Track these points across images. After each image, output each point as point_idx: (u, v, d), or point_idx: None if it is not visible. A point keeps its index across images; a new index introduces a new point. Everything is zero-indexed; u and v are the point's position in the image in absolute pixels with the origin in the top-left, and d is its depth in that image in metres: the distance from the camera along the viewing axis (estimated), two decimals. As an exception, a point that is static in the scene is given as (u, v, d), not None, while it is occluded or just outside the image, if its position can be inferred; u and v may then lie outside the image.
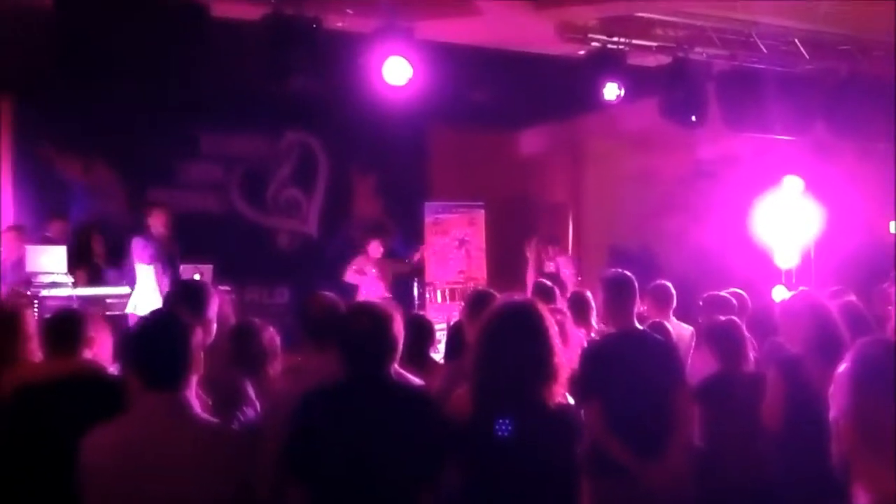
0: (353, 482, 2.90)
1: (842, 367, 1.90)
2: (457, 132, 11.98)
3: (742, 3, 8.40)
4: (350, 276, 10.08)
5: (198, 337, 2.80)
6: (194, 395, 2.76)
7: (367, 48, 7.50)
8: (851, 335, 3.73)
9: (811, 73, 9.60)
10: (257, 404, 3.41)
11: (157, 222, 8.94)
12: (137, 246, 8.73)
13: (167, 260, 8.79)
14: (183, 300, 3.49)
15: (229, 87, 9.09)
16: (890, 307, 4.90)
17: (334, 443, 2.91)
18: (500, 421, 2.87)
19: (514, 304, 3.17)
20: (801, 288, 5.96)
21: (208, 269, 9.02)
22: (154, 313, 3.05)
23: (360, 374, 3.02)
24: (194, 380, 2.77)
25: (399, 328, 3.09)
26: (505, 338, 3.01)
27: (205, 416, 2.77)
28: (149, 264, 8.61)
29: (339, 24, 7.66)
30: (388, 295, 9.81)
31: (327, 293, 3.82)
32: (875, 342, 1.99)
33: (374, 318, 3.06)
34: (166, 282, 8.35)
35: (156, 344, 2.75)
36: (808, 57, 9.42)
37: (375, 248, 10.30)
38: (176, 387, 2.71)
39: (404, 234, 11.84)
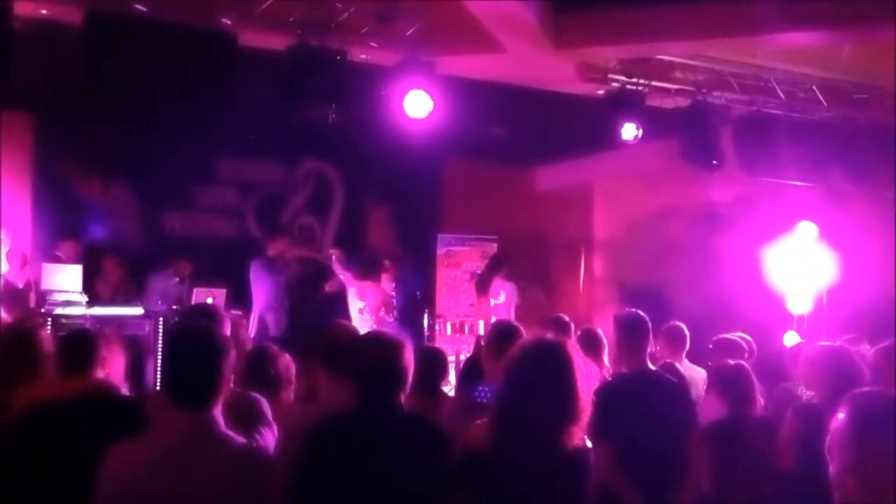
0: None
1: (838, 421, 1.89)
2: (473, 166, 12.06)
3: (761, 48, 8.48)
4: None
5: (231, 357, 2.75)
6: (221, 416, 2.70)
7: (389, 81, 7.60)
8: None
9: (828, 119, 9.65)
10: (275, 427, 3.42)
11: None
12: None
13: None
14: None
15: (250, 114, 9.20)
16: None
17: (343, 471, 2.91)
18: (480, 388, 2.86)
19: (545, 343, 3.15)
20: (817, 337, 5.94)
21: (221, 293, 9.08)
22: (190, 330, 3.03)
23: (370, 403, 3.03)
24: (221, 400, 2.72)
25: (409, 358, 3.11)
26: (535, 377, 3.00)
27: (234, 435, 2.71)
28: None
29: (363, 57, 7.77)
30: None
31: (342, 321, 3.84)
32: (873, 395, 1.99)
33: (384, 347, 3.08)
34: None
35: (190, 361, 2.69)
36: (825, 104, 9.48)
37: (387, 282, 10.31)
38: (206, 406, 2.65)
39: (416, 265, 11.86)
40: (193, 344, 2.76)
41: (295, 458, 3.12)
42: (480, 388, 4.12)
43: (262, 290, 9.66)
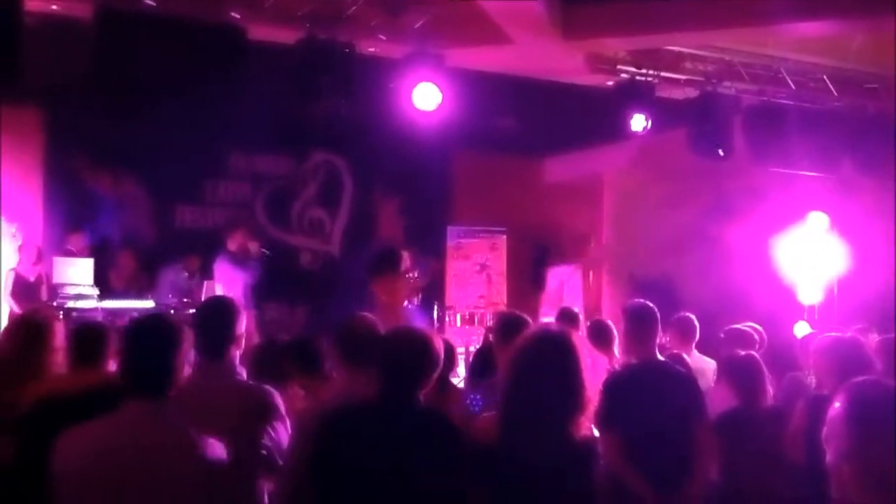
0: (370, 501, 2.92)
1: (834, 410, 1.88)
2: (482, 158, 12.06)
3: (772, 38, 8.44)
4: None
5: (187, 343, 2.82)
6: (174, 405, 2.75)
7: (397, 73, 7.61)
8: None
9: (838, 109, 9.61)
10: (287, 421, 3.43)
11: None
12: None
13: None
14: (211, 316, 3.54)
15: (259, 108, 9.22)
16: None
17: (356, 461, 2.94)
18: (472, 396, 2.87)
19: (549, 333, 3.17)
20: (828, 328, 5.93)
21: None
22: (144, 317, 3.07)
23: (391, 395, 3.05)
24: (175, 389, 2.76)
25: (438, 353, 3.14)
26: (539, 368, 3.01)
27: (185, 425, 2.75)
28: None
29: (372, 50, 7.77)
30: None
31: (366, 314, 3.85)
32: (870, 384, 1.98)
33: (415, 340, 3.12)
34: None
35: (144, 350, 2.75)
36: (835, 94, 9.43)
37: (395, 283, 10.24)
38: (159, 393, 2.71)
39: (425, 257, 11.87)
40: (147, 333, 2.81)
41: (305, 448, 3.15)
42: (472, 396, 4.12)
43: (236, 286, 9.34)
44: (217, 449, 2.74)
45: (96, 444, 2.66)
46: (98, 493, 2.61)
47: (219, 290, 8.94)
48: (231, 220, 10.61)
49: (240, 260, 9.65)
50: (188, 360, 2.92)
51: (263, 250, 9.87)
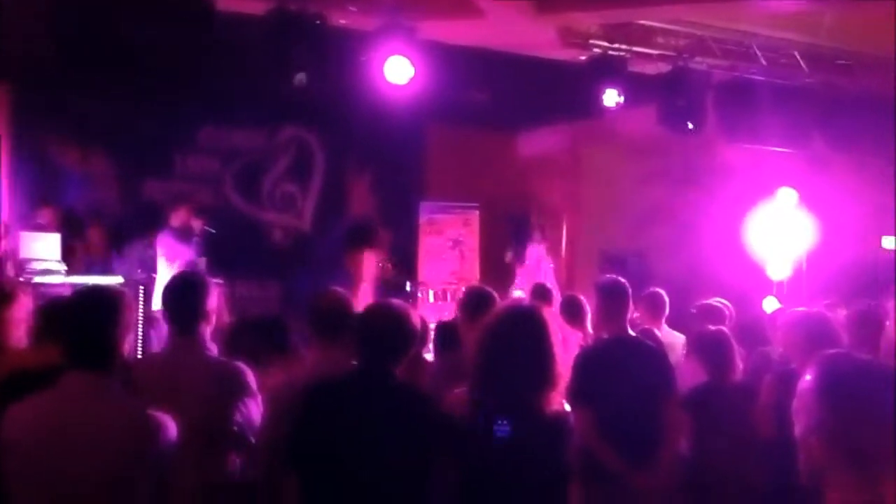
0: (347, 475, 2.92)
1: (804, 383, 1.89)
2: (455, 133, 11.99)
3: (744, 14, 8.44)
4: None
5: (129, 314, 2.76)
6: (118, 379, 2.71)
7: (369, 46, 7.52)
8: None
9: (809, 86, 9.65)
10: (259, 398, 3.42)
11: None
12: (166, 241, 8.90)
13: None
14: (181, 291, 3.50)
15: (229, 81, 9.09)
16: (889, 322, 4.91)
17: (333, 435, 2.94)
18: (500, 422, 2.88)
19: (518, 309, 3.17)
20: (797, 303, 5.99)
21: (202, 261, 9.04)
22: (84, 289, 3.02)
23: (367, 369, 3.05)
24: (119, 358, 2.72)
25: (417, 328, 3.16)
26: (507, 343, 3.01)
27: (126, 397, 2.73)
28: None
29: (342, 22, 7.66)
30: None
31: (337, 289, 3.82)
32: (838, 357, 2.00)
33: (394, 315, 3.12)
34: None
35: (83, 321, 2.71)
36: (806, 70, 9.47)
37: (369, 258, 10.23)
38: (100, 366, 2.66)
39: (397, 233, 11.85)
40: (86, 305, 2.76)
41: (280, 423, 3.14)
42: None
43: (178, 261, 9.17)
44: (167, 424, 2.68)
45: (37, 417, 2.64)
46: (42, 465, 2.60)
47: (161, 265, 8.94)
48: (176, 196, 10.42)
49: (182, 236, 9.49)
50: (136, 333, 2.86)
51: (207, 228, 9.75)
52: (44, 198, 9.80)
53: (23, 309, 3.88)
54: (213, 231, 9.75)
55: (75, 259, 9.29)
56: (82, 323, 2.70)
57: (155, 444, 2.64)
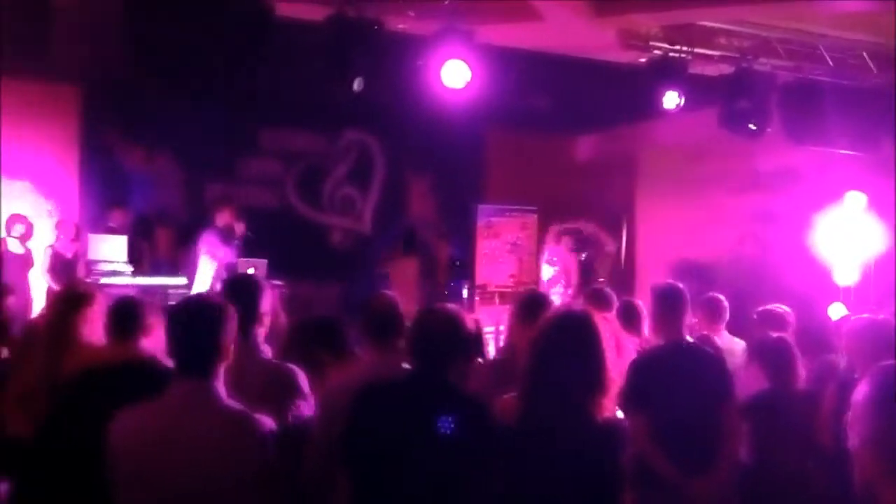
0: (397, 477, 2.94)
1: (858, 394, 1.84)
2: (513, 136, 11.98)
3: (809, 14, 8.26)
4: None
5: (231, 324, 2.82)
6: (222, 384, 2.77)
7: (426, 51, 7.55)
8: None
9: (878, 87, 9.38)
10: (311, 399, 3.46)
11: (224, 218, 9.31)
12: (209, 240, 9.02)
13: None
14: (235, 294, 3.56)
15: (291, 85, 9.23)
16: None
17: (385, 437, 2.96)
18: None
19: (570, 314, 3.14)
20: (864, 310, 5.83)
21: (262, 263, 9.19)
22: (189, 298, 3.09)
23: (423, 373, 3.07)
24: (222, 368, 2.78)
25: (470, 333, 3.17)
26: (558, 350, 2.99)
27: (232, 404, 2.78)
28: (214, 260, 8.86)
29: (401, 27, 7.71)
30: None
31: (388, 293, 3.87)
32: (893, 368, 1.93)
33: (448, 319, 3.13)
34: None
35: (187, 330, 2.77)
36: (875, 71, 9.22)
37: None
38: (206, 374, 2.74)
39: (457, 236, 11.88)
40: (192, 313, 2.83)
41: (335, 424, 3.17)
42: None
43: (219, 260, 9.30)
44: (267, 422, 2.77)
45: (145, 425, 2.71)
46: (149, 473, 2.67)
47: (202, 262, 9.06)
48: (222, 197, 10.57)
49: (225, 236, 9.62)
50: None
51: (249, 233, 9.86)
52: (114, 200, 10.08)
53: (100, 309, 4.01)
54: (254, 235, 9.89)
55: (142, 260, 9.53)
56: (190, 334, 2.78)
57: (260, 449, 2.72)
